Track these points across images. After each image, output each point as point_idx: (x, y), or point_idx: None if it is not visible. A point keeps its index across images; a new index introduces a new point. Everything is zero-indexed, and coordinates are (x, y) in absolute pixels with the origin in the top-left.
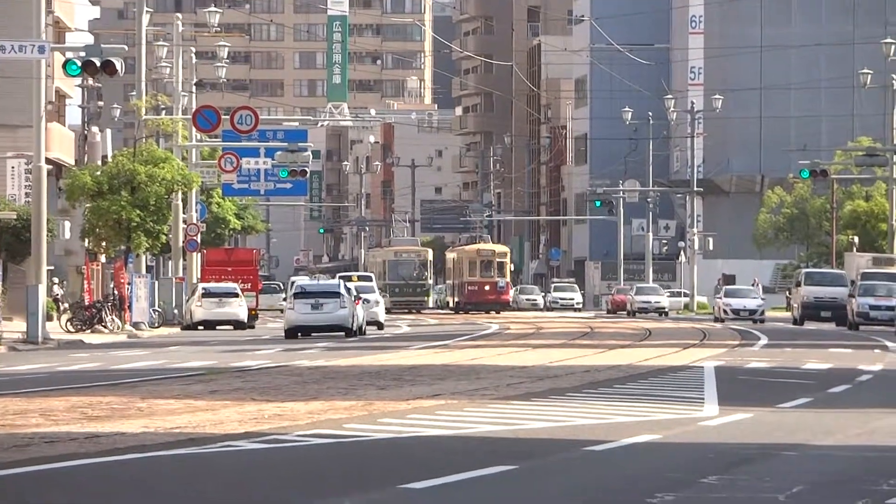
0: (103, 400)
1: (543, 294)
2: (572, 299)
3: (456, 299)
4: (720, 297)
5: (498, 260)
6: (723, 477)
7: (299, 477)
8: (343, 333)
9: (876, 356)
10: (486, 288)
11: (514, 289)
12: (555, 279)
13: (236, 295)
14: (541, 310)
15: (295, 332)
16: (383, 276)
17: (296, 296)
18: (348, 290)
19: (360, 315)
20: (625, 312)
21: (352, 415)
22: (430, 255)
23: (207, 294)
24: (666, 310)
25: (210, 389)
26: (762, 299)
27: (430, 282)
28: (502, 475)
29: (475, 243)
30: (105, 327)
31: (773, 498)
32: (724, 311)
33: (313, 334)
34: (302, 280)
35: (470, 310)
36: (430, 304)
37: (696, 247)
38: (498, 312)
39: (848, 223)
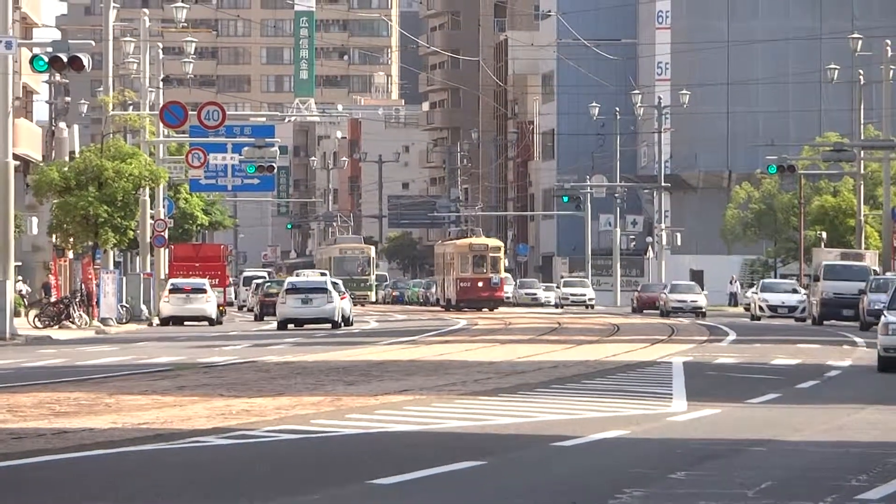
0: (71, 396)
1: (544, 288)
2: (584, 295)
3: (447, 296)
4: (755, 293)
5: (491, 255)
6: (691, 472)
7: (267, 472)
8: (330, 325)
9: (844, 352)
10: (480, 284)
11: (513, 283)
12: (564, 273)
13: (204, 291)
14: (542, 305)
15: (286, 324)
16: (330, 272)
17: (287, 291)
18: (335, 285)
19: (347, 309)
20: (656, 311)
21: (319, 410)
22: (372, 252)
23: (175, 290)
24: (703, 309)
25: (178, 385)
26: (804, 294)
27: (373, 277)
28: (470, 471)
29: (466, 237)
30: (73, 323)
31: (742, 493)
32: (761, 308)
33: (305, 326)
34: (250, 274)
35: (462, 307)
36: (373, 299)
37: (664, 242)
38: (492, 310)
39: (816, 219)
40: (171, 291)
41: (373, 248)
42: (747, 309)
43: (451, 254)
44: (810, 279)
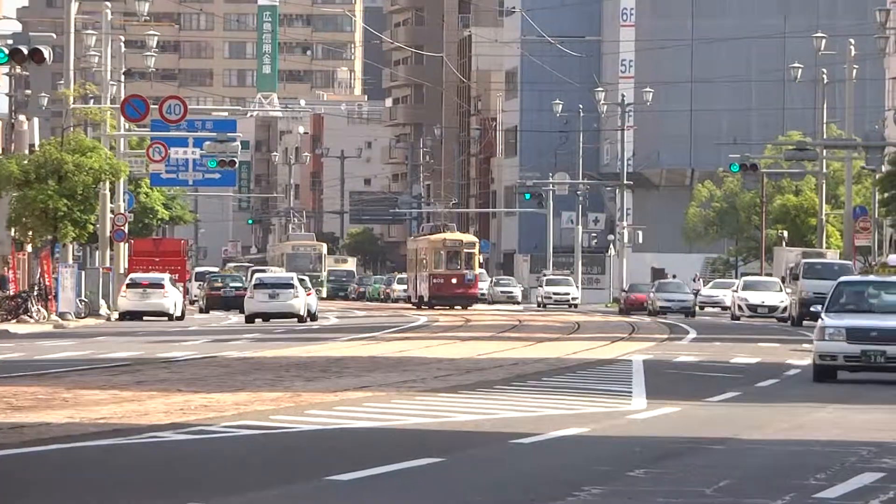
0: (28, 390)
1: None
2: (568, 294)
3: (419, 293)
4: (735, 291)
5: (466, 250)
6: (650, 470)
7: (225, 468)
8: (296, 319)
9: (804, 351)
10: (454, 281)
11: (489, 280)
12: (547, 270)
13: (162, 286)
14: (518, 303)
15: (254, 318)
16: (283, 268)
17: (255, 286)
18: (301, 281)
19: (312, 304)
20: (644, 312)
21: (279, 406)
22: (324, 248)
23: (132, 284)
24: (693, 309)
25: (136, 380)
26: (786, 294)
27: (325, 273)
28: (429, 467)
29: (440, 232)
30: (31, 317)
31: (700, 491)
32: (740, 308)
33: (270, 320)
34: (203, 270)
35: (435, 304)
36: (324, 295)
37: (626, 240)
38: (465, 307)
39: (778, 217)
40: (128, 286)
41: (325, 244)
42: (702, 307)
43: (425, 249)
44: (788, 277)
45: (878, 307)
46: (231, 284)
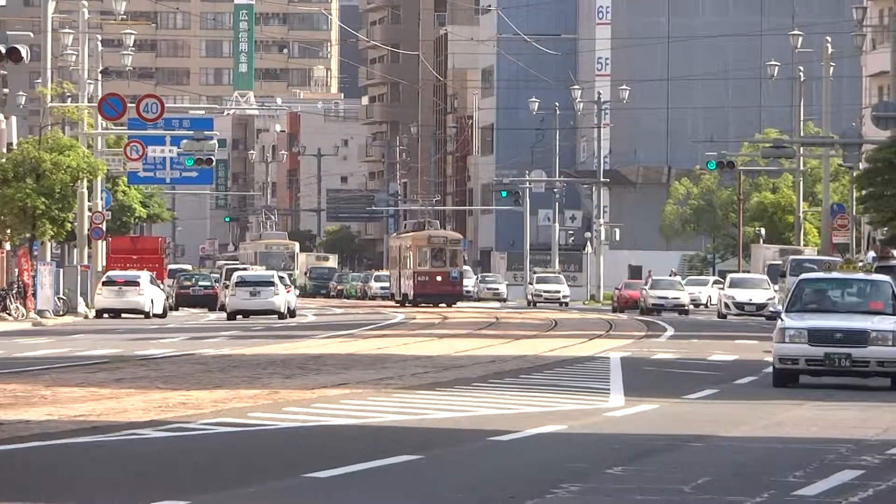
0: (6, 387)
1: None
2: (558, 292)
3: (403, 291)
4: (722, 289)
5: (451, 248)
6: (628, 468)
7: (203, 465)
8: (277, 316)
9: None
10: (438, 279)
11: (474, 277)
12: (537, 268)
13: (137, 283)
14: (504, 300)
15: (235, 315)
16: (256, 266)
17: (237, 284)
18: (281, 279)
19: (292, 301)
20: (637, 311)
21: (257, 403)
22: (297, 247)
23: (108, 282)
24: (686, 308)
25: (115, 378)
26: (774, 290)
27: (297, 272)
28: (407, 465)
29: (423, 229)
30: (9, 315)
31: (679, 489)
32: (727, 305)
33: (251, 317)
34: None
35: (420, 302)
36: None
37: (603, 237)
38: (451, 305)
39: (755, 215)
40: (104, 284)
41: (297, 243)
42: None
43: (409, 246)
44: (766, 274)
45: (842, 306)
46: (200, 283)
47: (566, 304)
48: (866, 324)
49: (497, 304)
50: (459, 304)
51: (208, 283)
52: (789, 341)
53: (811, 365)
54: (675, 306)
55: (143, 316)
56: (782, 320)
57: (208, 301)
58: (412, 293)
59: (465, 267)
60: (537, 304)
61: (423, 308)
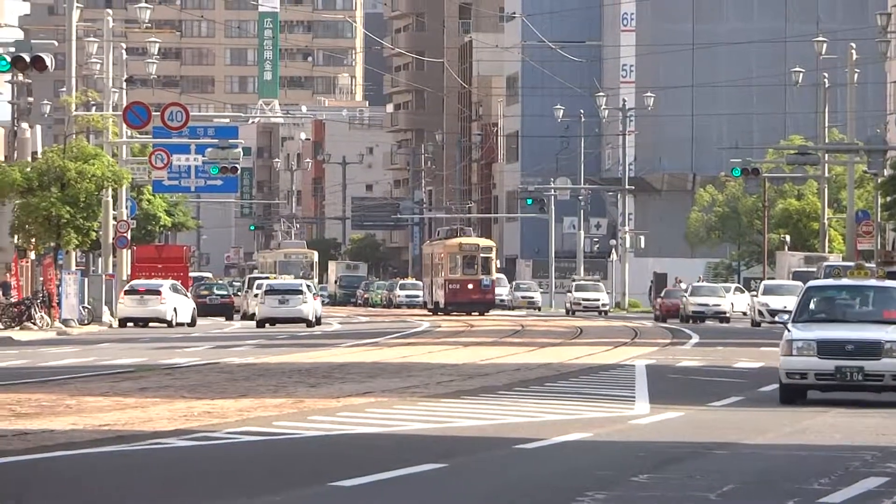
0: (32, 397)
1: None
2: (598, 300)
3: (435, 299)
4: (756, 296)
5: (482, 255)
6: (653, 475)
7: (229, 474)
8: (305, 324)
9: None
10: (470, 286)
11: (507, 285)
12: (576, 276)
13: (158, 292)
14: (538, 309)
15: (265, 323)
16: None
17: (266, 293)
18: (309, 287)
19: (318, 309)
20: (677, 319)
21: (282, 412)
22: (315, 256)
23: (130, 291)
24: (728, 314)
25: (139, 387)
26: None
27: (315, 280)
28: (432, 473)
29: (456, 236)
30: (34, 324)
31: (704, 497)
32: (761, 313)
33: (278, 325)
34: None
35: (451, 311)
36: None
37: (628, 245)
38: (483, 313)
39: (780, 222)
40: (126, 293)
41: (315, 252)
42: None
43: (440, 254)
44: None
45: (854, 316)
46: (217, 292)
47: (606, 312)
48: (880, 334)
49: (529, 313)
50: (492, 312)
51: (225, 293)
52: (797, 354)
53: (821, 379)
54: (717, 313)
55: (165, 325)
56: (789, 331)
57: (225, 310)
58: (443, 301)
59: (499, 275)
60: (576, 313)
61: (451, 316)
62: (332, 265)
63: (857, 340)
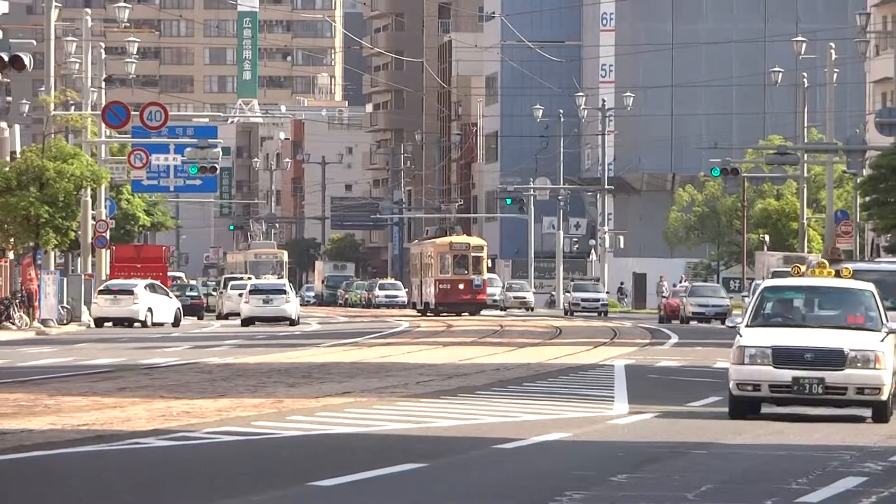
0: (10, 397)
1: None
2: (598, 301)
3: (424, 300)
4: (747, 297)
5: (473, 254)
6: (632, 475)
7: (208, 474)
8: (288, 322)
9: None
10: (461, 286)
11: (500, 285)
12: (575, 276)
13: (131, 292)
14: (531, 309)
15: (249, 322)
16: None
17: (251, 292)
18: (291, 287)
19: (297, 309)
20: (678, 320)
21: (261, 412)
22: (285, 256)
23: (103, 291)
24: (727, 315)
25: (118, 387)
26: None
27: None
28: (412, 473)
29: (445, 235)
30: (13, 324)
31: (682, 496)
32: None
33: (262, 324)
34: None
35: (441, 311)
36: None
37: (607, 245)
38: (473, 314)
39: (759, 222)
40: (100, 293)
41: (285, 252)
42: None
43: (430, 253)
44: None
45: (815, 320)
46: (188, 293)
47: (605, 313)
48: (843, 342)
49: (522, 313)
50: (484, 312)
51: (195, 293)
52: (749, 362)
53: (776, 392)
54: (718, 314)
55: (138, 325)
56: (741, 336)
57: (196, 311)
58: (433, 301)
59: (492, 275)
60: (574, 314)
61: (432, 317)
62: (318, 265)
63: (817, 348)
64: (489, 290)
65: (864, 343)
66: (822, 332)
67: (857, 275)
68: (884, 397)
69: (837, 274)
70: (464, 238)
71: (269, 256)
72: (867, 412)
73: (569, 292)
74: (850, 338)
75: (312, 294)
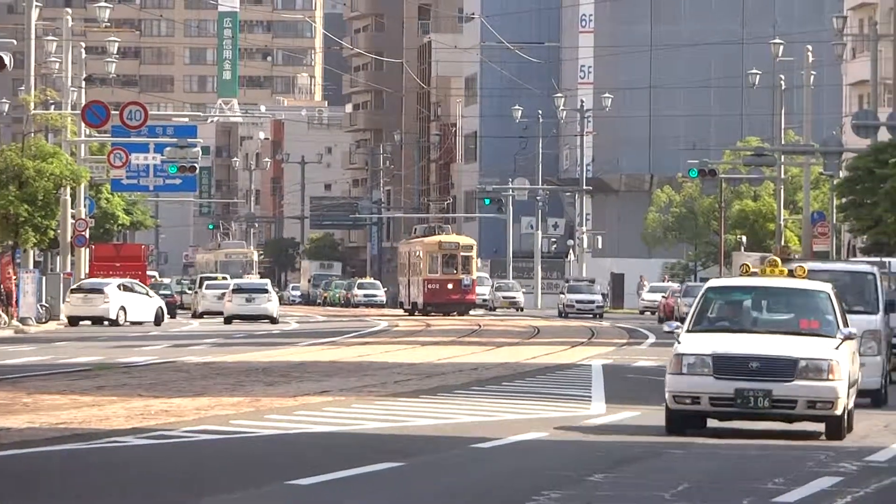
0: None
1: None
2: (593, 302)
3: (412, 300)
4: None
5: (463, 254)
6: (609, 475)
7: (186, 472)
8: (269, 321)
9: None
10: (450, 286)
11: (489, 286)
12: (570, 277)
13: (101, 291)
14: (520, 310)
15: (232, 319)
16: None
17: (234, 291)
18: (273, 287)
19: (278, 307)
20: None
21: (239, 411)
22: (255, 255)
23: (76, 290)
24: None
25: (97, 385)
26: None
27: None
28: (389, 472)
29: (434, 234)
30: None
31: (659, 496)
32: None
33: (245, 321)
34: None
35: (430, 311)
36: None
37: (585, 245)
38: (462, 314)
39: (736, 223)
40: (72, 291)
41: (255, 252)
42: (642, 312)
43: (418, 253)
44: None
45: (764, 325)
46: (161, 292)
47: (601, 315)
48: (794, 349)
49: (511, 314)
50: (473, 312)
51: (168, 292)
52: (688, 372)
53: (717, 405)
54: None
55: (107, 323)
56: (679, 342)
57: (169, 308)
58: (422, 301)
59: (481, 274)
60: (569, 315)
61: (405, 316)
62: (304, 264)
63: (764, 357)
64: (478, 289)
65: (818, 351)
66: (771, 339)
67: (812, 275)
68: (838, 411)
69: (791, 274)
70: (453, 237)
71: (239, 256)
72: (821, 427)
73: (563, 293)
74: (801, 345)
75: (298, 294)
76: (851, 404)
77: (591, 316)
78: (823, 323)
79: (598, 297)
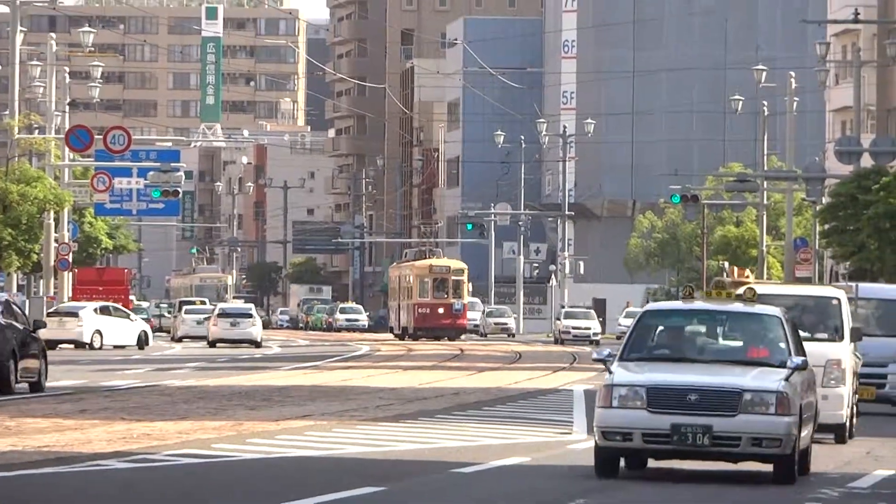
0: None
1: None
2: (588, 329)
3: (402, 324)
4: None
5: (454, 278)
6: (589, 500)
7: (167, 496)
8: (254, 345)
9: None
10: (440, 311)
11: (480, 311)
12: (564, 303)
13: (76, 315)
14: (512, 335)
15: (216, 343)
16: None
17: (219, 315)
18: (257, 311)
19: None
20: None
21: (221, 435)
22: (229, 280)
23: (53, 314)
24: None
25: (79, 408)
26: None
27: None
28: (370, 497)
29: (426, 258)
30: None
31: None
32: None
33: (229, 345)
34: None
35: (420, 336)
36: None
37: (567, 270)
38: (453, 339)
39: (718, 248)
40: (48, 315)
41: (230, 276)
42: (619, 338)
43: (409, 276)
44: None
45: (706, 353)
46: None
47: (597, 342)
48: (739, 380)
49: (503, 339)
50: (463, 337)
51: (145, 316)
52: (619, 405)
53: (651, 442)
54: None
55: (84, 347)
56: (611, 373)
57: None
58: (412, 326)
59: (473, 299)
60: (565, 342)
61: (389, 342)
62: (294, 288)
63: (704, 388)
64: (469, 314)
65: (765, 382)
66: (714, 368)
67: (773, 300)
68: (787, 450)
69: (739, 297)
70: (444, 261)
71: (213, 280)
72: (766, 468)
73: (559, 319)
74: (747, 375)
75: (287, 318)
76: (806, 443)
77: (587, 342)
78: (773, 350)
79: (595, 324)
